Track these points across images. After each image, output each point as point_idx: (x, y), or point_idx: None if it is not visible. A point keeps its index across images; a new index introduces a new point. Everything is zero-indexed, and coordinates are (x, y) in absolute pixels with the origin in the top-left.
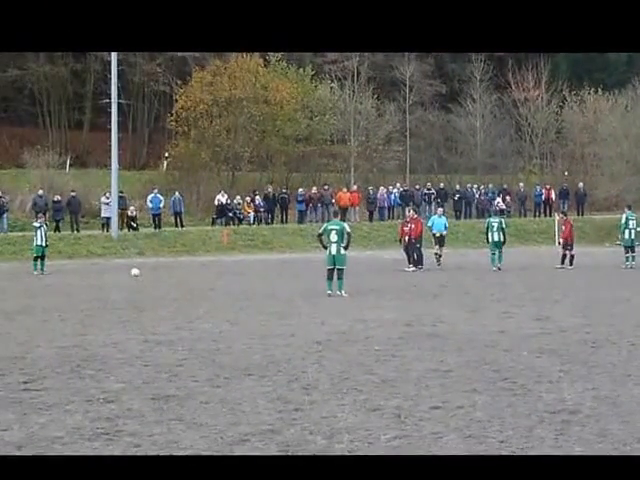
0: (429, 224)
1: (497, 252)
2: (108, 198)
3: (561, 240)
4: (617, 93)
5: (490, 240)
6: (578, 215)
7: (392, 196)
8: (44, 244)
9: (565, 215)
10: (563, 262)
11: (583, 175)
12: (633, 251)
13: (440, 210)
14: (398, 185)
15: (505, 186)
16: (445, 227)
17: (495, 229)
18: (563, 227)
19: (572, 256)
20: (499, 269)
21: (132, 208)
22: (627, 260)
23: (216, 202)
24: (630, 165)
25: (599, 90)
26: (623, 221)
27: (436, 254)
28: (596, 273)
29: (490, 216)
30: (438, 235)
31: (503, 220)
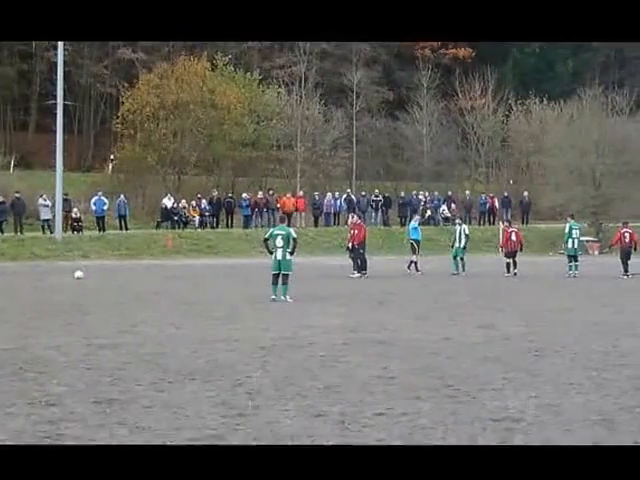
0: (414, 230)
1: (462, 257)
2: (45, 200)
3: (502, 248)
4: (563, 103)
5: (458, 246)
6: (523, 224)
7: (338, 202)
8: None
9: (510, 224)
10: (509, 270)
11: (528, 184)
12: (576, 260)
13: (417, 217)
14: (349, 191)
15: (450, 193)
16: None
17: (463, 235)
18: (514, 237)
19: (512, 263)
20: (453, 274)
21: (75, 210)
22: (570, 269)
23: (162, 205)
24: (575, 175)
25: (545, 100)
26: (567, 230)
27: (415, 262)
28: (540, 282)
29: (459, 224)
30: (417, 242)
31: (467, 227)
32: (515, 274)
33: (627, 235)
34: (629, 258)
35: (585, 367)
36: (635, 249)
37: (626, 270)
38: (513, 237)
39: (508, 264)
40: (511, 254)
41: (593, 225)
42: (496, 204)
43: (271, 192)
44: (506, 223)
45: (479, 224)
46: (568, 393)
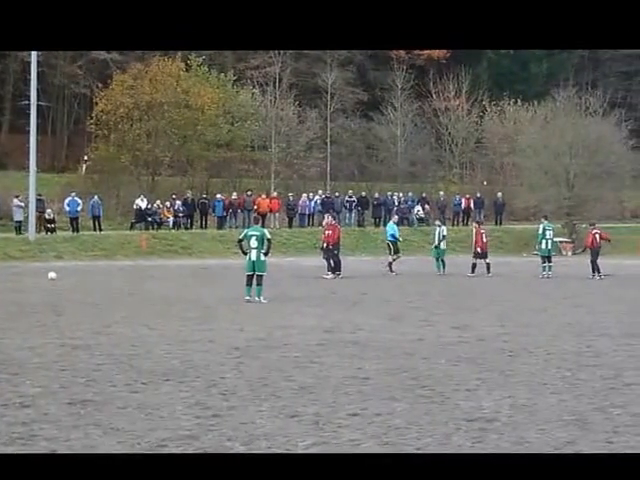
0: (392, 232)
1: (442, 258)
2: (21, 201)
3: (477, 249)
4: (537, 104)
5: (439, 247)
6: (496, 225)
7: (313, 203)
8: None
9: (479, 224)
10: (473, 270)
11: (502, 185)
12: (550, 261)
13: (396, 218)
14: (320, 192)
15: (424, 194)
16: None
17: (441, 237)
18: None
19: (488, 264)
20: (438, 275)
21: (49, 211)
22: (544, 270)
23: (135, 206)
24: (549, 176)
25: (519, 101)
26: (540, 231)
27: (390, 263)
28: (514, 282)
29: (438, 225)
30: (395, 242)
31: (445, 228)
32: (474, 273)
33: (597, 236)
34: (597, 257)
35: (559, 367)
36: (609, 241)
37: (598, 270)
38: (484, 238)
39: (474, 265)
40: (482, 255)
41: (567, 226)
42: (471, 205)
43: (249, 193)
44: (475, 224)
45: (453, 225)
46: (542, 393)
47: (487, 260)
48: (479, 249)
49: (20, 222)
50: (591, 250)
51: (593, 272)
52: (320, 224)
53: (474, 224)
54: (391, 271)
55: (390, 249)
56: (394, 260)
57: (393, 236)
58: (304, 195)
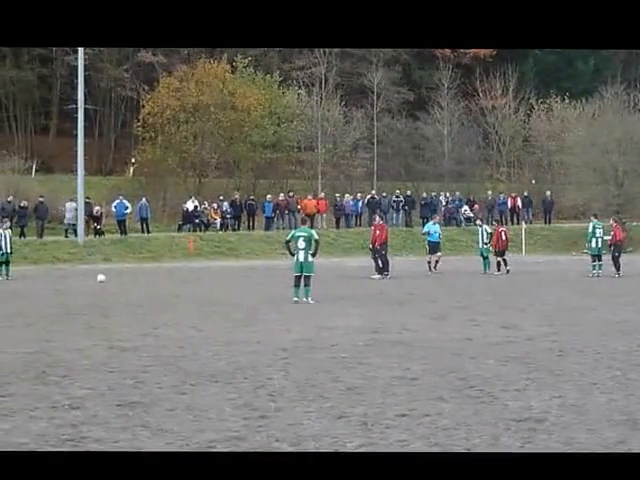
0: (427, 230)
1: (489, 258)
2: (75, 205)
3: (492, 248)
4: (584, 102)
5: (481, 246)
6: (545, 223)
7: (359, 203)
8: (8, 250)
9: (498, 223)
10: (499, 269)
11: (550, 183)
12: (600, 260)
13: (437, 217)
14: (373, 192)
15: (471, 196)
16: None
17: (486, 235)
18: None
19: (502, 261)
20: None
21: (97, 208)
22: (594, 269)
23: (184, 208)
24: (597, 174)
25: (566, 98)
26: (590, 230)
27: (435, 261)
28: (562, 281)
29: (479, 225)
30: (435, 243)
31: (487, 227)
32: (508, 271)
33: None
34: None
35: (609, 367)
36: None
37: (618, 267)
38: (503, 236)
39: (499, 262)
40: (501, 253)
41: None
42: (518, 203)
43: (291, 194)
44: (494, 223)
45: (501, 224)
46: (592, 393)
47: (503, 258)
48: (494, 247)
49: (72, 225)
50: (618, 245)
51: (618, 270)
52: (370, 224)
53: (494, 223)
54: (431, 270)
55: (428, 249)
56: (436, 260)
57: (430, 237)
58: (347, 195)
